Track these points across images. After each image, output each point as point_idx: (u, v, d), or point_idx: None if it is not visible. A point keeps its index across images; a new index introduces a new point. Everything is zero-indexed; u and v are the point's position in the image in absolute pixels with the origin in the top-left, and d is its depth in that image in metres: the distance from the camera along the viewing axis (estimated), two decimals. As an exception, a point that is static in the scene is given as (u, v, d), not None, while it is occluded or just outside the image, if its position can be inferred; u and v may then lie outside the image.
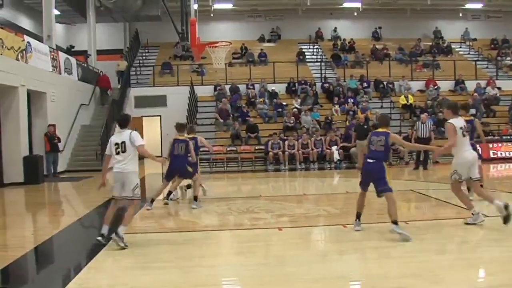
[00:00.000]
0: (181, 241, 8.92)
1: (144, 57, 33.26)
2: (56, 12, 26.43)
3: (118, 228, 8.31)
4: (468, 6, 35.61)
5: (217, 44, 18.79)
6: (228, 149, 22.83)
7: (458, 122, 9.41)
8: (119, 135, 8.66)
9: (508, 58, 33.28)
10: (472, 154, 9.53)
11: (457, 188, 9.72)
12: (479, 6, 35.57)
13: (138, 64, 31.69)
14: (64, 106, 22.76)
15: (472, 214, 9.38)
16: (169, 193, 12.92)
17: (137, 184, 8.66)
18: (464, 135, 9.40)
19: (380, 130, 9.07)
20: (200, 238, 9.22)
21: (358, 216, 9.18)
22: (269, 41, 35.64)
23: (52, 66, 21.84)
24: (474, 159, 9.53)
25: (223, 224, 9.99)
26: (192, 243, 8.91)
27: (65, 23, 32.29)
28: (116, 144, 8.57)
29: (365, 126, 21.80)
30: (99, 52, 30.02)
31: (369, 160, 9.08)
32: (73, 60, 24.80)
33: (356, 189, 13.81)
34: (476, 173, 9.54)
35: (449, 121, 9.51)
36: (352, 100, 26.37)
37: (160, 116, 28.80)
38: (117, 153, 8.57)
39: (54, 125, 21.00)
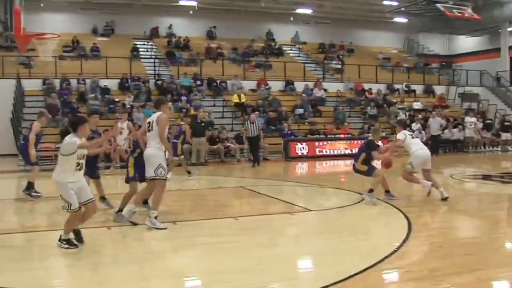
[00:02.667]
0: (6, 243, 8.39)
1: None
2: None
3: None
4: (299, 11, 37.03)
5: (44, 36, 17.97)
6: (57, 146, 21.85)
7: (150, 118, 9.42)
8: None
9: (334, 62, 35.20)
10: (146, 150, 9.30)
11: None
12: (309, 11, 37.13)
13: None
14: None
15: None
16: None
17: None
18: (149, 130, 9.24)
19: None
20: (27, 240, 8.79)
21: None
22: (102, 35, 34.60)
23: None
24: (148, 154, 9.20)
25: (51, 225, 9.55)
26: (18, 245, 8.49)
27: None
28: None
29: (202, 124, 21.99)
30: None
31: None
32: None
33: (187, 186, 13.93)
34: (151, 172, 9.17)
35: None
36: (185, 98, 26.40)
37: (-18, 110, 26.97)
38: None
39: None
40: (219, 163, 21.86)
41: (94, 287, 6.22)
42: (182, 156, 16.80)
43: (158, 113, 9.26)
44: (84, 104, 25.19)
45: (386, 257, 6.98)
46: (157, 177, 9.03)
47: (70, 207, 7.65)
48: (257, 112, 23.57)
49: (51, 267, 7.14)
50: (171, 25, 35.80)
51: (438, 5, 29.88)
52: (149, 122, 9.28)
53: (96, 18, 34.79)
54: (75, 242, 7.84)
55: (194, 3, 34.69)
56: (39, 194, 12.32)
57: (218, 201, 12.74)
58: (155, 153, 9.07)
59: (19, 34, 17.66)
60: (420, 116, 28.09)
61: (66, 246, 7.72)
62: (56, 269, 7.11)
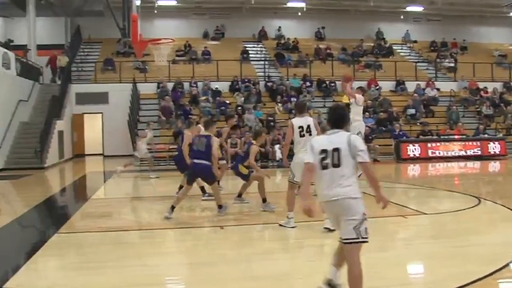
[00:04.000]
0: (123, 240, 8.81)
1: (86, 53, 32.65)
2: (-6, 4, 25.77)
3: None
4: (409, 9, 36.32)
5: (159, 41, 18.58)
6: (170, 147, 22.61)
7: (298, 121, 9.29)
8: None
9: (447, 60, 34.16)
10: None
11: (289, 187, 9.46)
12: (419, 9, 36.34)
13: (79, 60, 31.09)
14: (2, 102, 22.16)
15: (287, 217, 9.10)
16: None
17: None
18: (302, 135, 9.17)
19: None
20: (141, 237, 9.14)
21: None
22: (213, 39, 35.51)
23: (-11, 60, 21.21)
24: None
25: (166, 223, 9.88)
26: (134, 242, 8.83)
27: (3, 16, 31.41)
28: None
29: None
30: (39, 47, 29.30)
31: None
32: (11, 54, 24.12)
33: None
34: None
35: (291, 119, 9.64)
36: (295, 99, 26.51)
37: (102, 113, 28.35)
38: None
39: (-9, 122, 20.43)
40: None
41: (203, 285, 6.35)
42: None
43: (310, 118, 9.42)
44: (196, 107, 25.91)
45: (506, 265, 6.63)
46: None
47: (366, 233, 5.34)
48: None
49: (163, 264, 7.37)
50: (280, 27, 36.07)
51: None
52: (301, 127, 9.11)
53: (206, 22, 35.71)
54: None
55: (303, 4, 34.80)
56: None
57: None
58: None
59: (137, 40, 18.31)
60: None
61: None
62: (168, 266, 7.33)
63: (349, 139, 5.16)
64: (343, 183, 5.14)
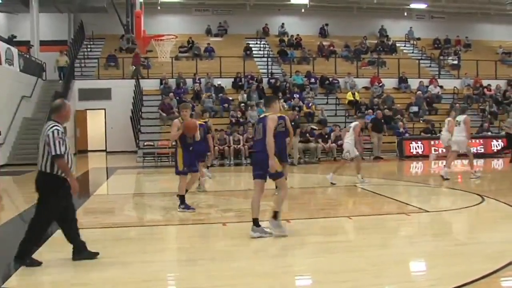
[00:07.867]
0: (125, 236, 8.83)
1: (89, 49, 32.64)
2: (-3, 0, 25.78)
3: None
4: (413, 6, 36.34)
5: (162, 37, 18.56)
6: (173, 143, 22.54)
7: None
8: None
9: (450, 58, 34.10)
10: None
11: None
12: (423, 6, 36.35)
13: (82, 56, 31.09)
14: (5, 98, 22.18)
15: None
16: None
17: None
18: None
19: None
20: (144, 233, 9.13)
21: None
22: (216, 35, 35.53)
23: (-8, 56, 21.22)
24: None
25: (168, 219, 9.88)
26: (136, 238, 8.83)
27: (7, 12, 31.45)
28: None
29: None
30: (43, 43, 29.34)
31: None
32: (14, 50, 24.15)
33: (299, 185, 13.91)
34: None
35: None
36: (298, 96, 26.52)
37: (105, 109, 28.35)
38: None
39: (-6, 117, 20.46)
40: (332, 161, 21.72)
41: (204, 282, 6.31)
42: None
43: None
44: (199, 103, 25.88)
45: (509, 263, 6.54)
46: None
47: None
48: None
49: (165, 261, 7.39)
50: (283, 23, 36.09)
51: None
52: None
53: (209, 19, 35.77)
54: None
55: (306, 1, 34.86)
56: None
57: (331, 199, 12.70)
58: None
59: (140, 36, 18.30)
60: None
61: None
62: (170, 262, 7.34)
63: None
64: None
